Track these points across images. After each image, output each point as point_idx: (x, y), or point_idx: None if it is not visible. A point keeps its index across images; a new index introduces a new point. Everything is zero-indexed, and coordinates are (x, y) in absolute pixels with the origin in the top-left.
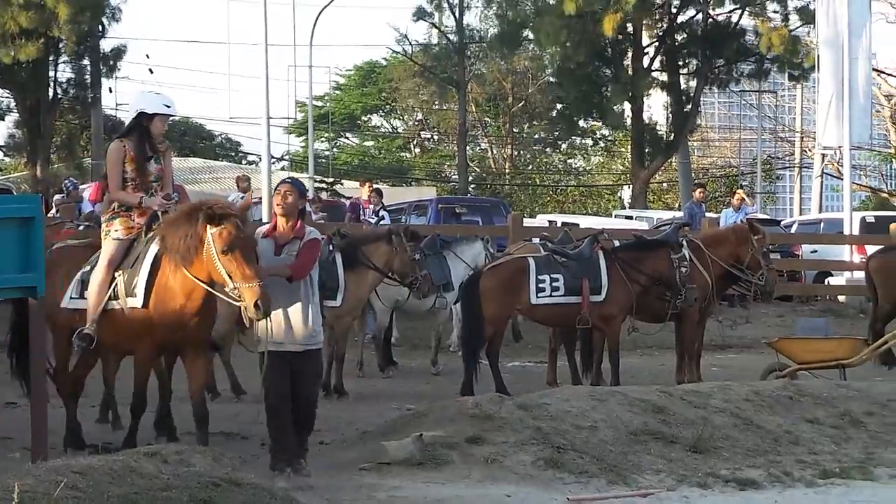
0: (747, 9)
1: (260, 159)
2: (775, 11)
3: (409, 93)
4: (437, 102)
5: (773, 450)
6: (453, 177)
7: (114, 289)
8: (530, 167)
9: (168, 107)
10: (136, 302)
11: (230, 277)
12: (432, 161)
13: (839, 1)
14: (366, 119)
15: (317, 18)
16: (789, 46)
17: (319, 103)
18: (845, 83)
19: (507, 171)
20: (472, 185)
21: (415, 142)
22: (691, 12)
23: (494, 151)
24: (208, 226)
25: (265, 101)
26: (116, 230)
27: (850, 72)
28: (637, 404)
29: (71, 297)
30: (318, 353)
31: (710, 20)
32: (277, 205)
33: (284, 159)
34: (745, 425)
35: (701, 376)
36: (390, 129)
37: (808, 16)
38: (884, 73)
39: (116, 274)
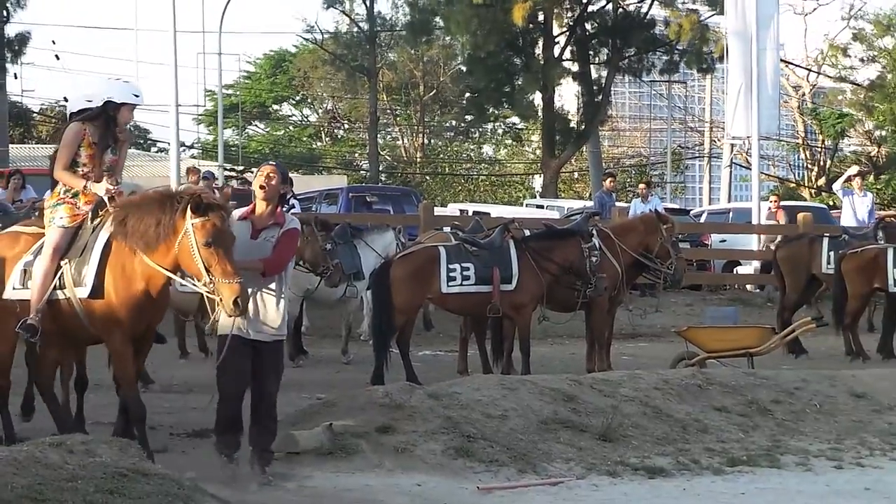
0: None
1: (169, 146)
2: (683, 2)
3: (319, 81)
4: (347, 91)
5: (681, 438)
6: (364, 165)
7: (59, 278)
8: (441, 156)
9: (137, 96)
10: (84, 291)
11: (208, 271)
12: (343, 150)
13: None
14: (276, 108)
15: (226, 5)
16: (698, 35)
17: (229, 91)
18: (754, 74)
19: (418, 159)
20: (384, 174)
21: (325, 130)
22: (602, 2)
23: (405, 140)
24: (190, 215)
25: (174, 88)
26: (62, 217)
27: (759, 63)
28: (547, 393)
29: (13, 288)
30: (281, 346)
31: (621, 10)
32: (260, 187)
33: (194, 147)
34: (655, 414)
35: (611, 365)
36: (301, 118)
37: (716, 6)
38: (792, 64)
39: (62, 262)
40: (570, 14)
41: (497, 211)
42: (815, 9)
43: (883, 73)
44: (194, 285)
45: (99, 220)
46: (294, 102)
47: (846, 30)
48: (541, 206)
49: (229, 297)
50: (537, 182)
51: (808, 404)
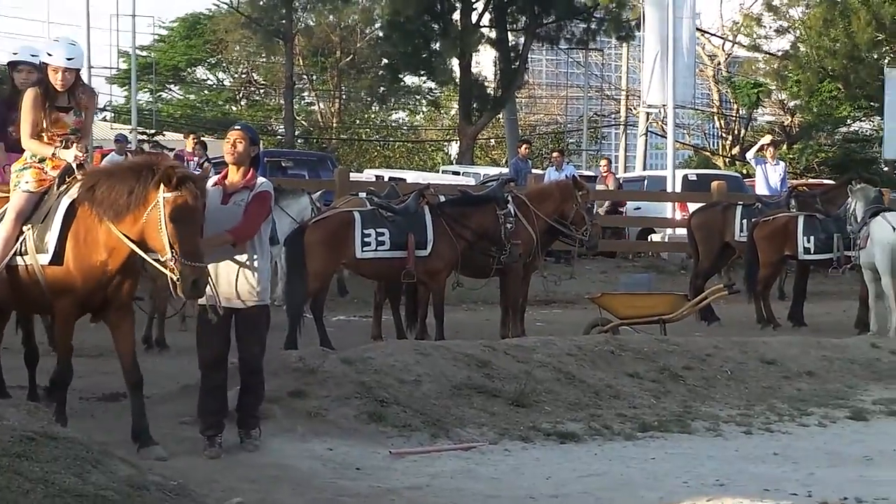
0: None
1: None
2: None
3: (235, 45)
4: (263, 55)
5: (594, 404)
6: (280, 130)
7: (22, 244)
8: (357, 122)
9: (70, 59)
10: (46, 258)
11: (171, 248)
12: (258, 114)
13: None
14: (190, 71)
15: None
16: (616, 3)
17: (143, 54)
18: (670, 43)
19: (334, 125)
20: (299, 139)
21: (241, 94)
22: None
23: (321, 105)
24: (163, 187)
25: (86, 50)
26: (27, 182)
27: (675, 31)
28: (461, 358)
29: None
30: (262, 311)
31: None
32: (228, 153)
33: (107, 110)
34: (568, 380)
35: (525, 331)
36: (216, 82)
37: None
38: (707, 32)
39: (25, 228)
40: None
41: (413, 177)
42: None
43: (796, 43)
44: (153, 260)
45: (65, 186)
46: (209, 66)
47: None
48: (457, 173)
49: (188, 278)
50: (453, 149)
51: (720, 371)
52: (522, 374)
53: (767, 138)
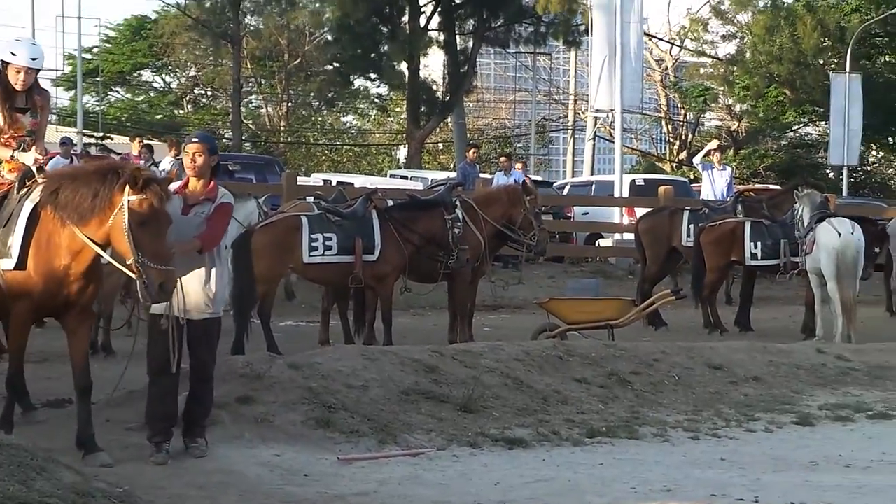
0: None
1: None
2: None
3: (182, 48)
4: (211, 58)
5: (542, 409)
6: (227, 134)
7: None
8: (305, 125)
9: (34, 59)
10: (9, 263)
11: (138, 251)
12: (206, 117)
13: None
14: (137, 74)
15: None
16: (566, 7)
17: (89, 56)
18: (617, 47)
19: (281, 128)
20: (247, 143)
21: (188, 98)
22: None
23: (269, 109)
24: (128, 190)
25: None
26: None
27: (623, 36)
28: (409, 364)
29: None
30: (215, 322)
31: None
32: (188, 167)
33: (52, 113)
34: (516, 385)
35: (473, 336)
36: (162, 85)
37: None
38: (655, 37)
39: None
40: None
41: (360, 181)
42: None
43: (742, 48)
44: (119, 265)
45: (26, 189)
46: (155, 69)
47: (707, 4)
48: (405, 177)
49: (155, 281)
50: (402, 153)
51: (667, 376)
52: (470, 379)
53: (714, 143)
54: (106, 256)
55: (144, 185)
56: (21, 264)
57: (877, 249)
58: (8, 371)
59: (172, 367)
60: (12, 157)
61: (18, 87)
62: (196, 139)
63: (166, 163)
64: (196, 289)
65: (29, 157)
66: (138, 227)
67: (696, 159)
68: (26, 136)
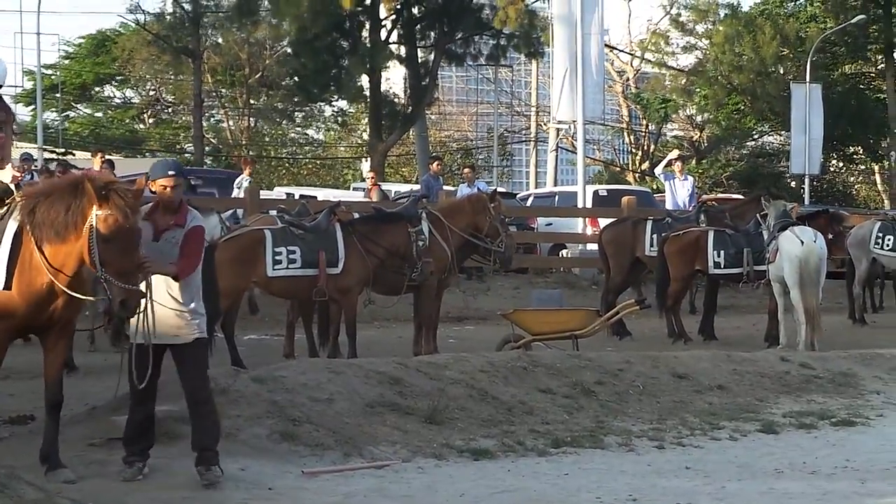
0: None
1: None
2: None
3: (142, 63)
4: (171, 73)
5: (507, 420)
6: (189, 148)
7: None
8: (267, 139)
9: None
10: None
11: (103, 267)
12: (167, 132)
13: None
14: (98, 89)
15: None
16: (525, 21)
17: (49, 72)
18: (579, 59)
19: (243, 142)
20: (208, 157)
21: (149, 112)
22: None
23: (231, 123)
24: (95, 205)
25: None
26: None
27: (584, 47)
28: (373, 376)
29: None
30: (199, 342)
31: None
32: (163, 200)
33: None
34: (481, 396)
35: (437, 348)
36: (123, 100)
37: None
38: (616, 49)
39: None
40: None
41: (323, 194)
42: None
43: (702, 59)
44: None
45: (6, 208)
46: (116, 84)
47: (667, 16)
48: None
49: (117, 298)
50: (364, 166)
51: (632, 385)
52: (435, 391)
53: (675, 153)
54: (58, 284)
55: (111, 199)
56: (7, 285)
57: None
58: None
59: (139, 387)
60: None
61: None
62: (172, 172)
63: (243, 180)
64: (174, 312)
65: (6, 175)
66: (103, 242)
67: (658, 170)
68: None
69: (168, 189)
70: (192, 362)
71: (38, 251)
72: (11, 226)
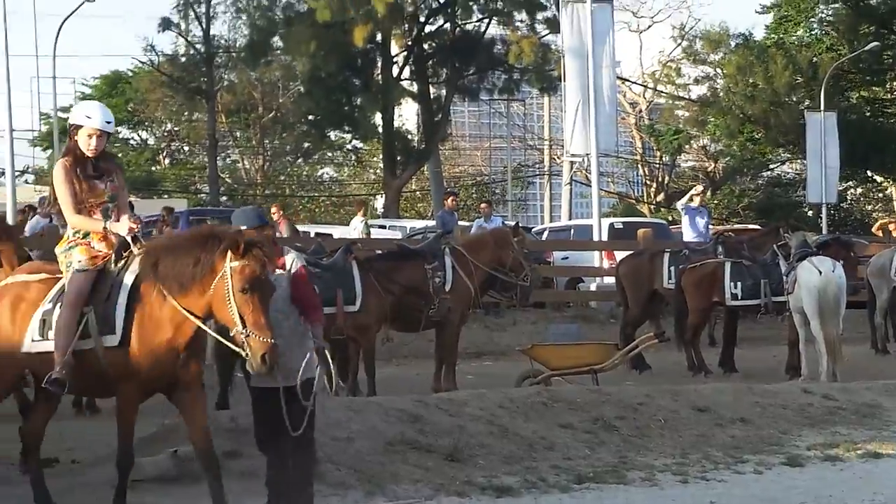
0: (495, 18)
1: (3, 173)
2: (522, 21)
3: (157, 104)
4: (186, 113)
5: (528, 456)
6: (204, 188)
7: (84, 326)
8: (282, 178)
9: (109, 122)
10: (114, 340)
11: (242, 321)
12: (182, 172)
13: (583, 10)
14: (115, 130)
15: (60, 28)
16: (539, 55)
17: (65, 115)
18: (591, 91)
19: (258, 181)
20: (224, 196)
21: (164, 153)
22: (440, 21)
23: (246, 162)
24: (230, 256)
25: (7, 112)
26: (79, 261)
27: (596, 80)
28: (394, 414)
29: (32, 340)
30: (308, 384)
31: (459, 30)
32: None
33: (28, 172)
34: (501, 432)
35: (456, 384)
36: (138, 141)
37: (554, 26)
38: (628, 81)
39: (86, 309)
40: (409, 34)
41: (340, 232)
42: (649, 26)
43: (715, 89)
44: (219, 335)
45: (123, 261)
46: (131, 125)
47: (679, 47)
48: (383, 227)
49: (258, 352)
50: (379, 202)
51: (653, 419)
52: (455, 428)
53: (699, 188)
54: (204, 328)
55: (247, 250)
56: (125, 341)
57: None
58: (118, 450)
59: (283, 438)
60: (105, 228)
61: (90, 153)
62: (261, 222)
63: (357, 222)
64: (292, 354)
65: (122, 227)
66: (241, 295)
67: (680, 204)
68: (108, 202)
69: (269, 239)
70: (302, 406)
71: (165, 305)
72: (128, 279)
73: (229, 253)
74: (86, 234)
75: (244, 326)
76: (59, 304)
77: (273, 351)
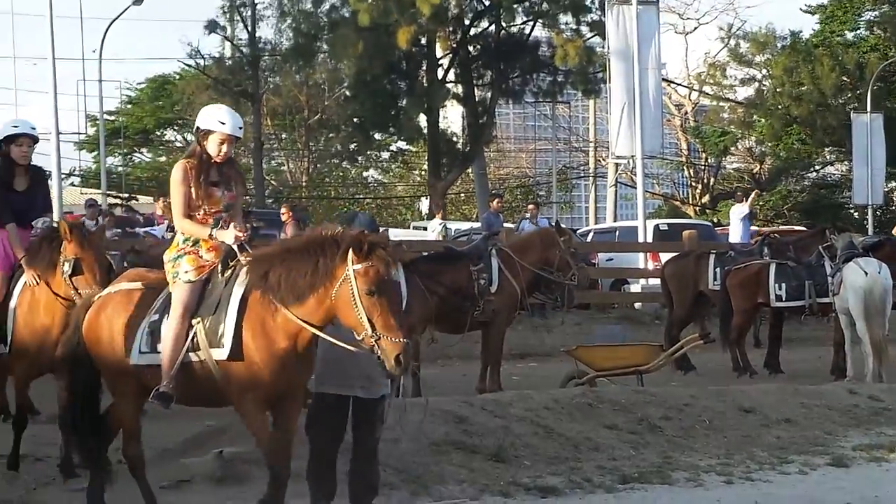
0: (540, 21)
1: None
2: (566, 23)
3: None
4: None
5: (573, 457)
6: (250, 190)
7: (192, 339)
8: (327, 180)
9: (223, 123)
10: (223, 353)
11: (371, 325)
12: None
13: (628, 12)
14: (159, 133)
15: (106, 31)
16: (584, 58)
17: (111, 118)
18: (636, 93)
19: (303, 183)
20: (269, 199)
21: None
22: (485, 24)
23: (291, 164)
24: (352, 258)
25: (54, 115)
26: (186, 271)
27: (641, 82)
28: (439, 415)
29: (140, 352)
30: (382, 400)
31: (504, 32)
32: None
33: (74, 175)
34: (546, 433)
35: (501, 385)
36: (185, 144)
37: (599, 28)
38: (673, 82)
39: (194, 321)
40: (453, 37)
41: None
42: (695, 28)
43: (761, 89)
44: (345, 344)
45: (231, 271)
46: (177, 128)
47: (725, 48)
48: (426, 229)
49: (391, 354)
50: (424, 204)
51: (698, 420)
52: (500, 428)
53: (754, 194)
54: (322, 335)
55: (370, 251)
56: (235, 354)
57: None
58: (270, 471)
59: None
60: (211, 235)
61: (219, 158)
62: (372, 229)
63: (436, 224)
64: (366, 363)
65: (228, 236)
66: (368, 298)
67: (742, 210)
68: (223, 211)
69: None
70: (375, 419)
71: (279, 315)
72: (237, 291)
73: (351, 255)
74: (195, 242)
75: (373, 329)
76: (165, 315)
77: (407, 350)
